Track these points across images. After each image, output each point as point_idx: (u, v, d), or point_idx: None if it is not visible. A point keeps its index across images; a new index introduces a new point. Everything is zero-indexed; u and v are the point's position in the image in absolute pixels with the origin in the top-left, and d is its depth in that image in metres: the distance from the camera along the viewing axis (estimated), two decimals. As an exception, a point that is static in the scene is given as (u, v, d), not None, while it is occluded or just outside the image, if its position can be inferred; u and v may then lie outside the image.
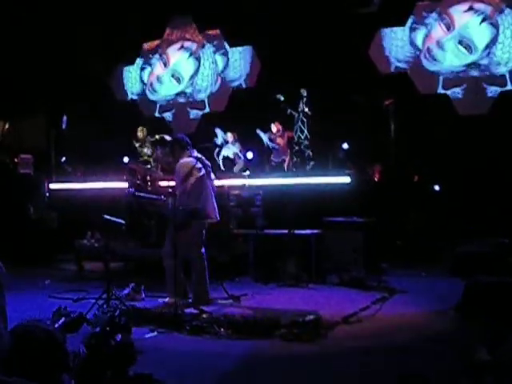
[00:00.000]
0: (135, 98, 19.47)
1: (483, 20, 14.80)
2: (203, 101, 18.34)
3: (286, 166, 15.26)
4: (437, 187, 13.78)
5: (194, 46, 18.57)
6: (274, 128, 15.35)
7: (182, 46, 18.78)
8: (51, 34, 17.70)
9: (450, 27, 15.16)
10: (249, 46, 17.51)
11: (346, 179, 12.83)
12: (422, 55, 15.46)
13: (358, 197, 12.54)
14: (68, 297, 9.53)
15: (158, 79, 19.09)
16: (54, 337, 2.97)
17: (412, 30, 15.70)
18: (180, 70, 18.79)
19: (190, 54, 18.61)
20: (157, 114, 19.03)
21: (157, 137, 14.97)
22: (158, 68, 19.11)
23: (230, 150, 15.66)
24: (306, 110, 14.89)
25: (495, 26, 14.75)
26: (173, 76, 18.85)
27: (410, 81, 15.51)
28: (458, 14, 15.12)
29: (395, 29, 15.81)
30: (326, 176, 13.25)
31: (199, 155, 9.31)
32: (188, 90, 18.60)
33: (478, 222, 12.06)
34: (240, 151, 15.53)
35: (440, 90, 15.29)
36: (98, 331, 4.51)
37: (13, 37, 17.70)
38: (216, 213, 9.17)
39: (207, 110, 18.31)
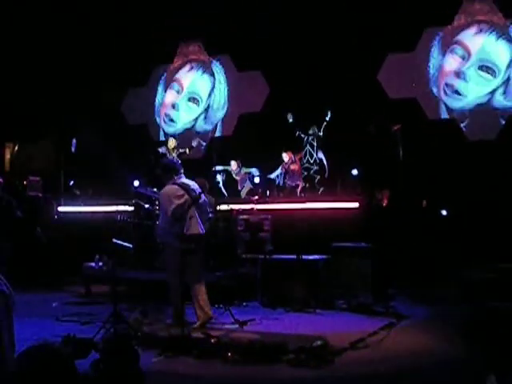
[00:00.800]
0: (145, 123, 19.49)
1: (498, 37, 14.66)
2: (216, 125, 18.33)
3: (298, 191, 15.25)
4: (444, 212, 13.75)
5: (203, 63, 18.62)
6: (285, 158, 15.40)
7: (191, 67, 18.82)
8: (62, 57, 17.82)
9: (464, 56, 15.04)
10: (257, 71, 17.54)
11: (355, 204, 12.83)
12: (442, 92, 15.36)
13: (367, 222, 12.53)
14: (75, 320, 9.54)
15: (174, 107, 19.03)
16: (63, 361, 2.97)
17: (421, 56, 15.71)
18: (196, 90, 18.75)
19: (203, 72, 18.64)
20: (162, 138, 19.01)
21: (187, 150, 15.14)
22: (170, 96, 19.08)
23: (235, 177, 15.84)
24: (320, 133, 14.94)
25: (510, 40, 14.66)
26: (189, 100, 18.82)
27: (418, 106, 15.52)
28: (470, 38, 15.02)
29: (404, 54, 15.84)
30: (335, 201, 13.26)
31: (185, 181, 9.35)
32: (205, 113, 18.53)
33: (486, 247, 12.02)
34: (246, 177, 15.59)
35: (445, 116, 15.30)
36: (105, 356, 4.51)
37: (24, 60, 17.84)
38: (200, 228, 9.26)
39: (218, 133, 18.31)
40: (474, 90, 14.90)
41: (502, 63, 14.69)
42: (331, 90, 15.35)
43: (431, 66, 15.56)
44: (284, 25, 15.91)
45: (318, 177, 15.05)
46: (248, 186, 15.54)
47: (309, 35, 15.68)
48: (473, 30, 14.97)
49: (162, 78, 19.27)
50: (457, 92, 15.12)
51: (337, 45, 15.07)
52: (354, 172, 14.61)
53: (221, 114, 18.28)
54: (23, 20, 17.61)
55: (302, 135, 15.08)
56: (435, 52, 15.51)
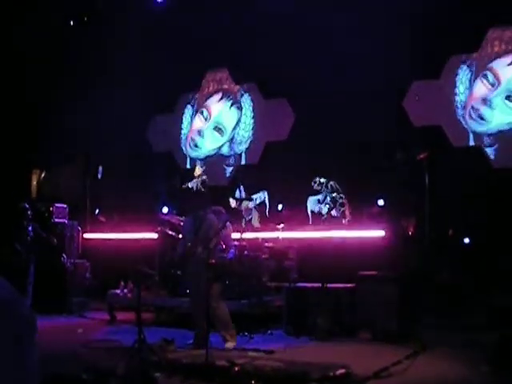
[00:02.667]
0: (170, 150, 19.56)
1: None
2: (240, 154, 18.35)
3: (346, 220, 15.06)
4: (467, 240, 13.67)
5: (233, 95, 18.68)
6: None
7: (221, 97, 18.90)
8: (88, 83, 17.98)
9: (494, 83, 15.00)
10: (283, 98, 17.56)
11: (381, 233, 12.80)
12: (467, 115, 15.30)
13: (393, 251, 12.49)
14: (100, 346, 9.56)
15: (200, 133, 19.05)
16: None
17: (446, 83, 15.69)
18: (222, 122, 18.76)
19: (232, 104, 18.69)
20: (188, 166, 19.07)
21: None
22: (198, 122, 19.13)
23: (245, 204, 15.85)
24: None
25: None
26: (215, 129, 18.88)
27: (444, 134, 15.46)
28: (502, 68, 14.97)
29: (430, 81, 15.81)
30: (361, 230, 13.24)
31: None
32: (229, 142, 18.60)
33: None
34: (254, 204, 15.57)
35: (472, 143, 15.24)
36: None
37: (52, 86, 18.03)
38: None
39: (243, 162, 18.31)
40: (498, 118, 14.83)
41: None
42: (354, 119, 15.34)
43: (458, 93, 15.50)
44: (308, 50, 15.95)
45: (344, 209, 14.97)
46: (255, 213, 15.43)
47: (333, 61, 15.70)
48: (507, 60, 14.93)
49: (191, 103, 19.35)
50: (480, 117, 15.05)
51: (361, 71, 15.06)
52: (380, 203, 14.54)
53: (243, 147, 18.30)
54: (55, 44, 17.86)
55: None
56: (463, 78, 15.47)
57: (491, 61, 14.94)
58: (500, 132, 14.63)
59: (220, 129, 18.58)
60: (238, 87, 18.47)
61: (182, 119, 19.37)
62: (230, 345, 9.38)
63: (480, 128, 14.89)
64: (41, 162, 18.31)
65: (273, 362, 8.35)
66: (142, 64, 17.53)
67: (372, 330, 10.53)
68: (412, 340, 9.88)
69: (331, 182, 14.63)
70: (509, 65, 14.73)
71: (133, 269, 10.34)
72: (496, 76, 14.85)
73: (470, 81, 15.28)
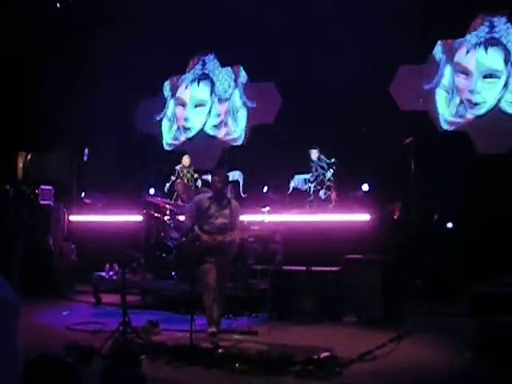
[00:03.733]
0: (157, 133, 19.55)
1: (485, 48, 14.93)
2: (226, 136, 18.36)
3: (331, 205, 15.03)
4: (450, 225, 13.70)
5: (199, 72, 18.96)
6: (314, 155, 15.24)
7: (186, 86, 19.07)
8: (75, 66, 17.91)
9: (468, 73, 15.19)
10: (270, 82, 17.54)
11: (366, 217, 12.83)
12: (461, 107, 15.37)
13: (378, 235, 12.53)
14: (85, 329, 9.57)
15: (186, 119, 19.10)
16: (70, 369, 2.99)
17: (432, 67, 15.71)
18: (198, 97, 18.99)
19: (199, 81, 18.87)
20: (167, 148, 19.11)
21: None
22: (180, 111, 19.18)
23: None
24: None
25: (499, 43, 14.92)
26: (195, 106, 18.92)
27: (430, 118, 15.50)
28: (463, 58, 15.21)
29: (416, 66, 15.83)
30: (346, 213, 13.28)
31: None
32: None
33: (497, 261, 11.98)
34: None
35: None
36: (111, 363, 4.54)
37: (38, 69, 17.95)
38: None
39: (229, 144, 18.29)
40: (489, 97, 14.96)
41: (499, 65, 14.90)
42: (342, 102, 15.35)
43: (443, 76, 15.58)
44: (295, 35, 15.93)
45: (329, 192, 15.00)
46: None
47: (321, 46, 15.68)
48: (464, 49, 15.18)
49: (170, 89, 19.38)
50: (475, 103, 15.14)
51: (348, 55, 15.04)
52: (365, 188, 14.53)
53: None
54: (39, 31, 17.75)
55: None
56: (444, 64, 15.57)
57: (454, 54, 15.26)
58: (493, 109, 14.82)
59: (200, 104, 18.64)
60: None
61: (167, 103, 19.36)
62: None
63: (479, 111, 15.03)
64: (27, 144, 18.24)
65: (257, 345, 8.38)
66: (128, 48, 17.44)
67: (357, 313, 10.57)
68: (397, 324, 9.94)
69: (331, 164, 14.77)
70: (467, 53, 15.01)
71: (118, 251, 10.35)
72: (463, 67, 15.12)
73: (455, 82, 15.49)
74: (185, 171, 16.52)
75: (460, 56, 15.31)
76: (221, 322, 9.45)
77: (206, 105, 18.65)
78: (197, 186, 16.32)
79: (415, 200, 14.01)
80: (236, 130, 18.06)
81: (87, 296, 13.26)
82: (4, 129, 17.12)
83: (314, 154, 15.26)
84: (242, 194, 15.95)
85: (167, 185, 16.30)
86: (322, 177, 15.10)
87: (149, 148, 18.75)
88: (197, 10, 17.18)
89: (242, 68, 18.16)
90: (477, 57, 15.12)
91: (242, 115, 18.02)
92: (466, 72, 15.24)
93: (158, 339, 8.73)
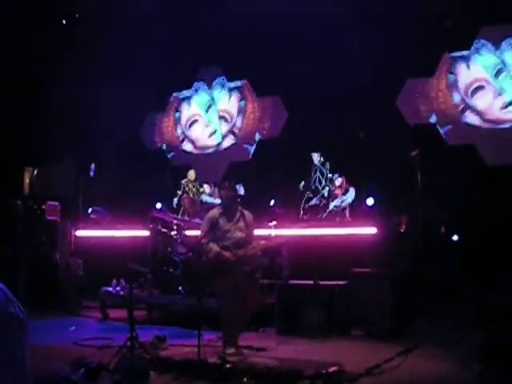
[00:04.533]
0: (163, 147, 19.60)
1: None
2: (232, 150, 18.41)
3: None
4: (455, 237, 13.65)
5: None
6: (337, 182, 14.88)
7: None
8: (82, 82, 17.95)
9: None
10: (277, 96, 17.59)
11: (373, 230, 12.81)
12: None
13: (385, 248, 12.49)
14: (92, 344, 9.56)
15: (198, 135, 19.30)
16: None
17: (441, 80, 15.74)
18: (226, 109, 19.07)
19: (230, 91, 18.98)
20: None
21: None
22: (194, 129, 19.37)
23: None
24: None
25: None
26: (220, 118, 19.07)
27: (438, 131, 15.51)
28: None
29: (423, 79, 15.86)
30: (353, 227, 13.24)
31: None
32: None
33: (503, 273, 11.95)
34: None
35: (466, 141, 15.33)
36: (118, 379, 4.52)
37: (42, 81, 17.99)
38: None
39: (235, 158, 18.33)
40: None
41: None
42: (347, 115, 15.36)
43: (453, 90, 15.62)
44: (301, 49, 15.96)
45: (324, 202, 14.94)
46: None
47: (327, 59, 15.70)
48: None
49: (183, 101, 19.47)
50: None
51: (355, 69, 15.04)
52: (370, 202, 14.39)
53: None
54: (42, 44, 17.80)
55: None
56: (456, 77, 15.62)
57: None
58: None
59: (224, 116, 18.70)
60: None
61: (174, 117, 19.43)
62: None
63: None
64: (33, 160, 18.27)
65: (265, 360, 8.35)
66: (134, 62, 17.49)
67: (364, 327, 10.54)
68: (404, 337, 9.91)
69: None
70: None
71: (125, 266, 10.32)
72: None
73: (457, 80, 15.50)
74: (190, 185, 16.54)
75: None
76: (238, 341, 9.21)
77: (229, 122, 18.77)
78: (201, 201, 16.35)
79: (421, 213, 13.98)
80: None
81: (94, 311, 13.26)
82: (10, 144, 17.15)
83: (316, 157, 15.23)
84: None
85: (175, 200, 16.34)
86: (317, 184, 15.07)
87: (155, 162, 18.80)
88: (202, 24, 17.22)
89: (247, 82, 18.24)
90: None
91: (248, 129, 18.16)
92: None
93: (166, 354, 8.73)
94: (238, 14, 16.06)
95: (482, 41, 15.30)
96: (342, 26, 14.97)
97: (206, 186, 16.50)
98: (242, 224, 9.36)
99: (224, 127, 18.67)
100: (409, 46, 14.78)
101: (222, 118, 18.74)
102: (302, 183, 15.17)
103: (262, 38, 16.29)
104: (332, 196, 14.88)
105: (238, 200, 9.67)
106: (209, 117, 18.98)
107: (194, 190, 16.56)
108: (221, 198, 9.72)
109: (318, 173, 15.12)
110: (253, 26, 16.29)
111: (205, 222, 9.66)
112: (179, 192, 16.41)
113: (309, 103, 16.11)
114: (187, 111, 19.36)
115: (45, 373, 2.93)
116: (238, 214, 9.43)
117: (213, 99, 18.91)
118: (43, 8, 17.34)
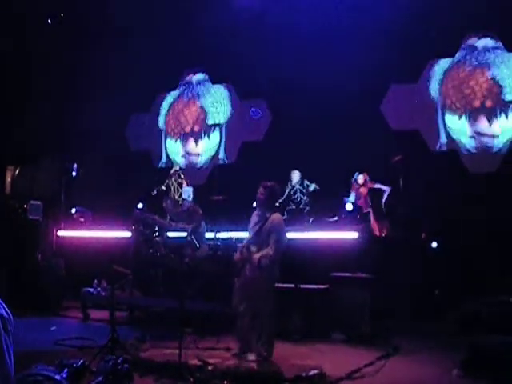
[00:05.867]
0: (147, 148, 19.61)
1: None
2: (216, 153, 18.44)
3: (371, 218, 14.81)
4: (434, 244, 13.66)
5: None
6: (360, 180, 14.94)
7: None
8: (65, 81, 17.93)
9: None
10: (260, 99, 17.64)
11: (354, 234, 12.85)
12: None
13: (366, 252, 12.53)
14: (73, 344, 9.54)
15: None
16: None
17: (424, 86, 15.83)
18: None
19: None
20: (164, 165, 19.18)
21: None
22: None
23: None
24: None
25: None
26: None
27: (420, 137, 15.59)
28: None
29: (407, 85, 15.94)
30: (335, 231, 13.27)
31: None
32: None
33: (486, 278, 12.00)
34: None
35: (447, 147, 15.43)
36: (101, 380, 4.53)
37: (27, 82, 17.93)
38: None
39: (221, 161, 18.36)
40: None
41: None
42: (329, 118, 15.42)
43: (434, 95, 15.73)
44: (286, 54, 15.99)
45: (308, 208, 14.98)
46: None
47: (311, 63, 15.75)
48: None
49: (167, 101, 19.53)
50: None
51: (339, 73, 15.08)
52: (349, 207, 14.31)
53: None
54: (28, 44, 17.76)
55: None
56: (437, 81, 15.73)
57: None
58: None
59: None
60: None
61: (158, 118, 19.47)
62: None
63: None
64: (15, 159, 18.22)
65: (246, 362, 8.38)
66: (120, 63, 17.48)
67: (345, 331, 10.58)
68: (384, 342, 9.95)
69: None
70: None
71: (107, 267, 10.33)
72: None
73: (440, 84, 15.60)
74: (172, 179, 16.39)
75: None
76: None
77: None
78: (181, 196, 16.17)
79: (403, 218, 14.04)
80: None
81: (75, 311, 13.23)
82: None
83: (296, 176, 15.24)
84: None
85: (154, 191, 16.05)
86: (298, 199, 15.12)
87: (138, 162, 18.80)
88: (189, 27, 17.22)
89: (232, 86, 18.28)
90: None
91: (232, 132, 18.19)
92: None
93: (147, 356, 8.73)
94: (221, 16, 16.11)
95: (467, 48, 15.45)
96: (327, 30, 15.08)
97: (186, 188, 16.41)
98: (258, 227, 9.17)
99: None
100: (394, 52, 14.84)
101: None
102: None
103: (246, 41, 16.33)
104: (357, 194, 14.81)
105: (267, 203, 9.37)
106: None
107: (175, 183, 16.36)
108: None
109: (297, 193, 15.13)
110: (237, 28, 16.36)
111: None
112: (163, 187, 16.21)
113: (292, 107, 16.15)
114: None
115: (28, 372, 2.93)
116: (262, 217, 9.26)
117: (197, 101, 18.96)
118: (28, 7, 17.26)
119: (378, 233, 14.29)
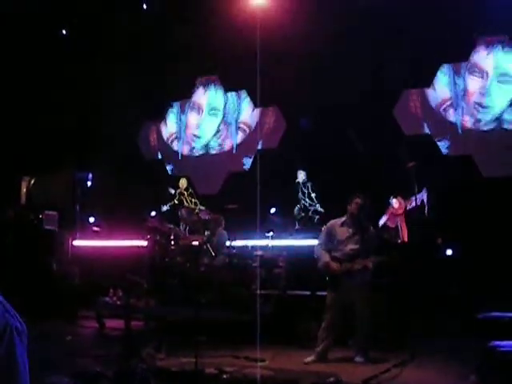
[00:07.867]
0: (160, 157, 19.61)
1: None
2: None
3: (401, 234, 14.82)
4: (449, 251, 13.56)
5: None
6: (396, 204, 14.83)
7: (206, 91, 19.14)
8: (80, 91, 17.99)
9: (482, 74, 15.24)
10: (275, 106, 17.62)
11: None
12: (473, 110, 15.39)
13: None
14: (89, 354, 9.54)
15: (198, 126, 19.20)
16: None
17: (438, 90, 15.78)
18: (214, 104, 19.10)
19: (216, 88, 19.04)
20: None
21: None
22: (193, 118, 19.30)
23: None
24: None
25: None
26: (209, 113, 19.06)
27: (434, 142, 15.53)
28: (483, 59, 15.27)
29: (421, 90, 15.90)
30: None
31: None
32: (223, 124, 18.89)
33: (502, 285, 11.91)
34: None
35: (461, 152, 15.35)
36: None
37: (40, 92, 18.00)
38: None
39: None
40: (498, 102, 15.01)
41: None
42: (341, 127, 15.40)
43: (449, 99, 15.65)
44: (297, 60, 15.97)
45: (317, 217, 14.95)
46: None
47: (322, 68, 15.72)
48: (484, 51, 15.25)
49: (179, 109, 19.51)
50: (483, 106, 15.21)
51: (352, 79, 15.05)
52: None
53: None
54: (44, 54, 17.83)
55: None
56: (449, 83, 15.64)
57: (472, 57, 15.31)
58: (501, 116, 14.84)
59: (214, 109, 18.74)
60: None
61: (169, 125, 19.48)
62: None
63: (485, 116, 15.04)
64: (31, 170, 18.28)
65: (262, 370, 8.35)
66: (132, 71, 17.52)
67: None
68: (401, 348, 9.89)
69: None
70: (488, 54, 15.05)
71: (122, 277, 10.32)
72: (480, 68, 15.17)
73: (453, 84, 15.51)
74: (186, 194, 16.37)
75: (478, 57, 15.43)
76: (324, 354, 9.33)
77: (218, 115, 18.77)
78: (196, 204, 16.19)
79: (419, 223, 13.99)
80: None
81: (90, 321, 13.22)
82: (7, 153, 17.16)
83: (301, 176, 15.28)
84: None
85: (164, 207, 16.12)
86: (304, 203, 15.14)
87: (153, 171, 18.81)
88: (200, 35, 17.23)
89: (246, 93, 18.26)
90: (498, 58, 15.34)
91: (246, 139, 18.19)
92: (480, 72, 15.33)
93: (163, 364, 8.70)
94: (234, 25, 16.13)
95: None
96: (339, 36, 15.05)
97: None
98: (357, 237, 9.27)
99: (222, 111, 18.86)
100: (407, 57, 14.81)
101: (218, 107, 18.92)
102: (296, 209, 15.25)
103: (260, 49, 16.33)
104: (390, 217, 14.76)
105: (363, 214, 9.43)
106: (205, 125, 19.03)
107: (188, 198, 16.38)
108: (348, 210, 9.53)
109: (299, 192, 15.18)
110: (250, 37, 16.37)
111: (323, 231, 9.83)
112: (176, 201, 16.26)
113: (305, 115, 16.15)
114: (196, 101, 19.36)
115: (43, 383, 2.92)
116: (359, 227, 9.35)
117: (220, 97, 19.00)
118: (43, 16, 17.35)
119: (406, 239, 14.28)
